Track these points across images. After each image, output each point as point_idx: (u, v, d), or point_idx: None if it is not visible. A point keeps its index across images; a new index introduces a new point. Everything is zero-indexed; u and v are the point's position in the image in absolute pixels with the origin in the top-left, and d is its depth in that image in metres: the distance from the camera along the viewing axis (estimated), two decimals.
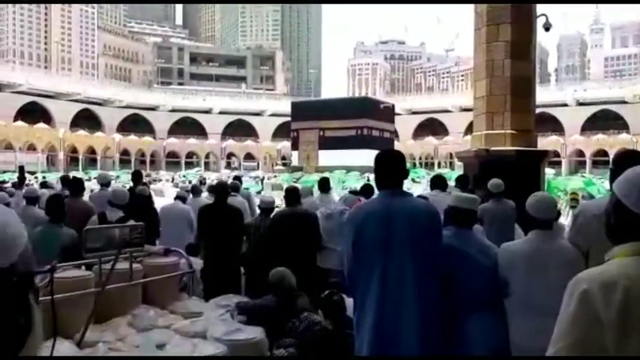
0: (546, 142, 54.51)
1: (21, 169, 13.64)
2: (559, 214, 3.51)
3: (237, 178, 10.13)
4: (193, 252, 5.76)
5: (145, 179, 12.17)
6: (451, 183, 8.49)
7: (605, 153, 56.86)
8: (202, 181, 24.69)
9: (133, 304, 4.00)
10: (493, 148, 8.42)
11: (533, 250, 2.87)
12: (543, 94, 63.19)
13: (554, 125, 65.44)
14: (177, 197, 7.59)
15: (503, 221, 5.60)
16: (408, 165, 53.64)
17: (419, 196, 4.91)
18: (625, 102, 63.85)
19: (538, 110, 9.86)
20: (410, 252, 2.78)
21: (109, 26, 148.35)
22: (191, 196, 8.06)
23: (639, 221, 1.30)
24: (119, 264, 3.68)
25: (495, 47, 8.64)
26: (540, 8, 9.93)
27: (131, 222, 4.31)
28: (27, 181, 14.94)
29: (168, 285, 4.43)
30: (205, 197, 8.42)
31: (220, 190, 5.62)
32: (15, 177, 19.44)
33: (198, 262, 5.40)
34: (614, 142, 56.41)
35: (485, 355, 2.88)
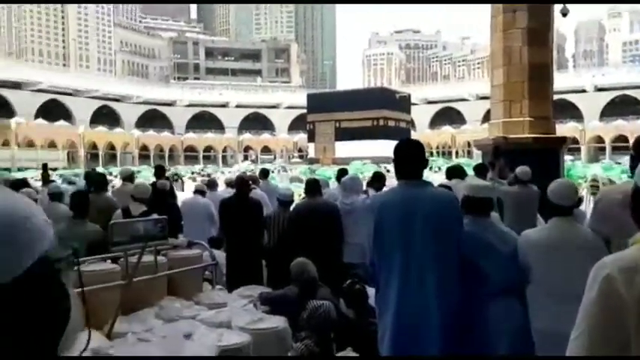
0: (565, 128, 53.56)
1: (44, 167, 13.84)
2: (580, 200, 3.47)
3: (265, 170, 10.09)
4: (216, 245, 5.86)
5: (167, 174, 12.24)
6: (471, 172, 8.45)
7: (625, 139, 55.75)
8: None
9: (158, 296, 4.09)
10: (511, 136, 8.39)
11: (554, 237, 2.88)
12: (561, 81, 62.02)
13: (572, 112, 64.48)
14: (197, 191, 7.68)
15: (526, 207, 5.63)
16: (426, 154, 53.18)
17: (441, 185, 4.91)
18: None
19: (556, 97, 9.79)
20: (431, 240, 2.81)
21: (125, 22, 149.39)
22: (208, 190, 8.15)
23: None
24: (144, 257, 3.76)
25: (512, 34, 8.59)
26: None
27: (154, 216, 4.39)
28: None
29: (192, 277, 4.51)
30: (221, 191, 8.52)
31: (240, 183, 5.70)
32: (38, 174, 19.74)
33: (220, 255, 5.48)
34: (634, 128, 55.33)
35: (505, 340, 2.91)
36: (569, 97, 63.49)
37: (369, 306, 3.85)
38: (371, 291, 3.79)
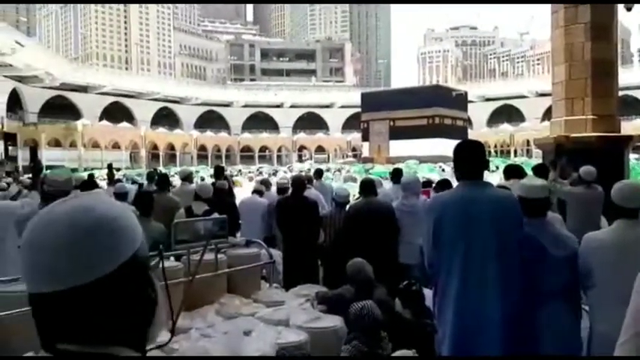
0: (631, 126, 51.01)
1: (110, 167, 14.46)
2: None
3: (320, 170, 10.23)
4: (269, 243, 5.97)
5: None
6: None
7: None
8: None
9: (218, 293, 4.21)
10: (573, 135, 8.14)
11: (619, 239, 2.81)
12: (626, 76, 59.37)
13: (639, 108, 61.54)
14: (255, 191, 7.84)
15: (591, 208, 5.47)
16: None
17: (499, 186, 4.82)
18: None
19: (621, 93, 9.40)
20: (492, 241, 2.79)
21: (184, 26, 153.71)
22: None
23: None
24: (205, 255, 3.88)
25: (574, 30, 8.33)
26: None
27: (215, 215, 4.53)
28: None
29: (251, 275, 4.62)
30: (275, 191, 8.65)
31: (297, 183, 5.79)
32: (103, 174, 20.61)
33: (276, 253, 5.59)
34: None
35: (552, 343, 2.86)
36: (636, 94, 60.62)
37: (426, 307, 3.85)
38: (427, 292, 3.78)
